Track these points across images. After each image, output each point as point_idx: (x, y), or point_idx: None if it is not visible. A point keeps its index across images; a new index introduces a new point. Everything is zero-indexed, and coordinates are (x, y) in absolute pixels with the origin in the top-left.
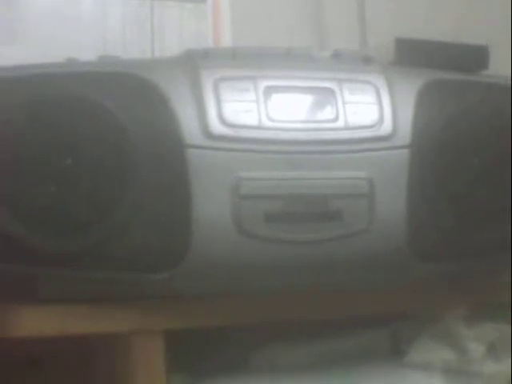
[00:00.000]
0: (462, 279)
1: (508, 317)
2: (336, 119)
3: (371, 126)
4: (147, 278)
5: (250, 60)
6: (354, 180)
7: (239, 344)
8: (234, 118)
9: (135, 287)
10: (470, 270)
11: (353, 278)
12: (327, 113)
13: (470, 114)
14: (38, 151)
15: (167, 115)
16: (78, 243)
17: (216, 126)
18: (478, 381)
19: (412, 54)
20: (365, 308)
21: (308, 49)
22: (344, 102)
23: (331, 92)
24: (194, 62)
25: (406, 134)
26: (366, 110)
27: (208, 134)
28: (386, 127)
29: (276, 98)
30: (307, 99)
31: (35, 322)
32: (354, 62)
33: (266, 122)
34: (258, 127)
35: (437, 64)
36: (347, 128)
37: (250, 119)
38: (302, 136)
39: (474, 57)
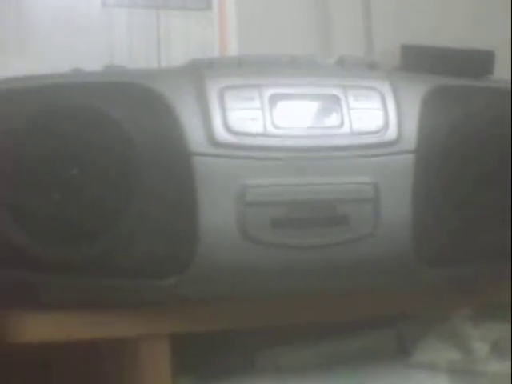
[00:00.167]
0: (467, 282)
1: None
2: (341, 125)
3: (376, 132)
4: (153, 285)
5: (255, 68)
6: (359, 185)
7: (245, 346)
8: (239, 125)
9: (141, 294)
10: (476, 273)
11: (358, 283)
12: (332, 119)
13: (475, 120)
14: (44, 161)
15: (173, 124)
16: (83, 252)
17: (221, 134)
18: (483, 380)
19: (418, 60)
20: (370, 309)
21: (313, 56)
22: (349, 108)
23: (336, 98)
24: (199, 72)
25: (411, 139)
26: (371, 115)
27: (213, 142)
28: (391, 133)
29: (281, 105)
30: (312, 106)
31: (42, 328)
32: (359, 68)
33: (272, 130)
34: (264, 135)
35: (442, 70)
36: (352, 134)
37: (256, 127)
38: (307, 143)
39: (479, 62)
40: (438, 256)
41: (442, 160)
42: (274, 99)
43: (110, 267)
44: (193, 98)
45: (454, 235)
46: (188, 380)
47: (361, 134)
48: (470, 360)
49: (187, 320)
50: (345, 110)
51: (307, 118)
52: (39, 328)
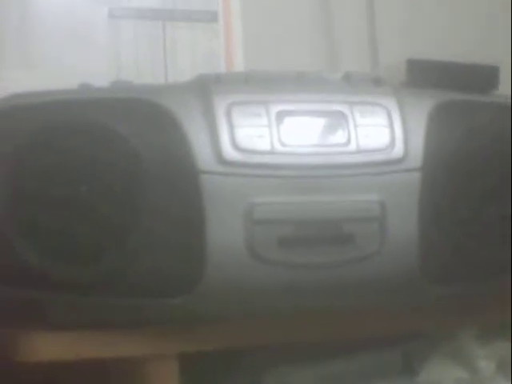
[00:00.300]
0: (473, 299)
1: None
2: (348, 143)
3: (383, 149)
4: (161, 304)
5: (262, 84)
6: (366, 203)
7: (251, 366)
8: (246, 143)
9: (149, 313)
10: (482, 291)
11: (365, 301)
12: (339, 136)
13: (480, 135)
14: (51, 177)
15: (180, 141)
16: (90, 269)
17: (229, 152)
18: None
19: (423, 75)
20: (376, 328)
21: (319, 72)
22: (355, 125)
23: (343, 115)
24: (206, 87)
25: (417, 156)
26: (378, 132)
27: (221, 159)
28: (398, 150)
29: (288, 122)
30: (319, 123)
31: (51, 347)
32: (364, 84)
33: (279, 147)
34: (271, 152)
35: (447, 84)
36: (359, 151)
37: (263, 144)
38: (314, 160)
39: (484, 77)
40: (445, 273)
41: (448, 177)
42: (281, 116)
43: (117, 285)
44: (200, 114)
45: (461, 252)
46: None
47: (367, 151)
48: (476, 379)
49: (195, 339)
50: (351, 127)
51: (314, 135)
52: (48, 347)
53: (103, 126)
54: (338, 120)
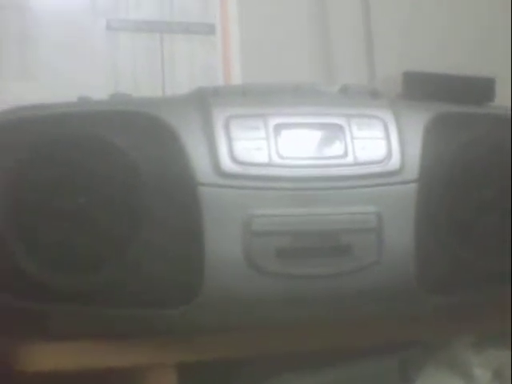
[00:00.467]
0: (470, 309)
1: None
2: (345, 155)
3: (380, 162)
4: (160, 314)
5: (260, 97)
6: (363, 215)
7: (251, 375)
8: (244, 155)
9: (148, 323)
10: (479, 300)
11: (363, 311)
12: (336, 149)
13: (477, 147)
14: (51, 189)
15: (179, 153)
16: (90, 280)
17: (227, 164)
18: None
19: (419, 87)
20: (373, 337)
21: (316, 84)
22: (352, 138)
23: (340, 128)
24: (204, 100)
25: (413, 168)
26: (375, 145)
27: (219, 171)
28: (395, 162)
29: (285, 134)
30: (316, 135)
31: (51, 357)
32: (361, 96)
33: (276, 160)
34: (269, 164)
35: (444, 96)
36: (356, 164)
37: (261, 157)
38: (311, 172)
39: (480, 89)
40: (441, 283)
41: (444, 188)
42: (279, 128)
43: (117, 296)
44: (198, 126)
45: (457, 263)
46: None
47: (364, 163)
48: None
49: (194, 349)
50: (348, 140)
51: (311, 147)
52: (48, 357)
53: (102, 139)
54: (335, 132)
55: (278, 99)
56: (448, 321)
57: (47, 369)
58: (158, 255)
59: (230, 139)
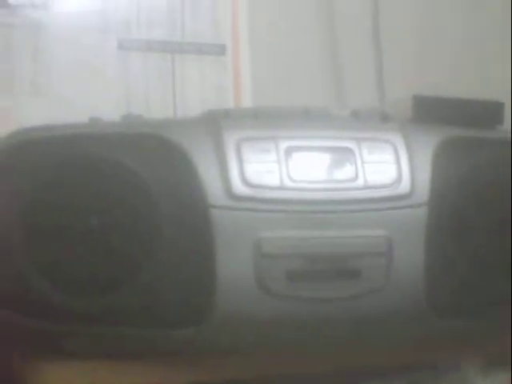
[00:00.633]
0: (480, 332)
1: None
2: (355, 178)
3: (390, 185)
4: (171, 335)
5: (271, 120)
6: (373, 238)
7: None
8: (256, 178)
9: (159, 344)
10: (489, 324)
11: (372, 334)
12: (347, 172)
13: (486, 171)
14: (62, 211)
15: (190, 175)
16: (101, 302)
17: (238, 187)
18: None
19: (429, 111)
20: (381, 359)
21: (327, 108)
22: (363, 162)
23: (350, 151)
24: (216, 123)
25: (423, 191)
26: (385, 168)
27: (231, 194)
28: (405, 185)
29: (297, 158)
30: (327, 159)
31: (62, 376)
32: (372, 120)
33: (288, 183)
34: (280, 188)
35: (453, 120)
36: (366, 187)
37: (272, 180)
38: (322, 196)
39: (489, 113)
40: (451, 307)
41: (454, 212)
42: (290, 151)
43: (128, 317)
44: (210, 149)
45: (467, 286)
46: None
47: (374, 187)
48: None
49: (205, 370)
50: (359, 163)
51: (322, 170)
52: (60, 376)
53: (115, 161)
54: (345, 156)
55: (290, 122)
56: (457, 344)
57: None
58: (170, 276)
59: (241, 162)
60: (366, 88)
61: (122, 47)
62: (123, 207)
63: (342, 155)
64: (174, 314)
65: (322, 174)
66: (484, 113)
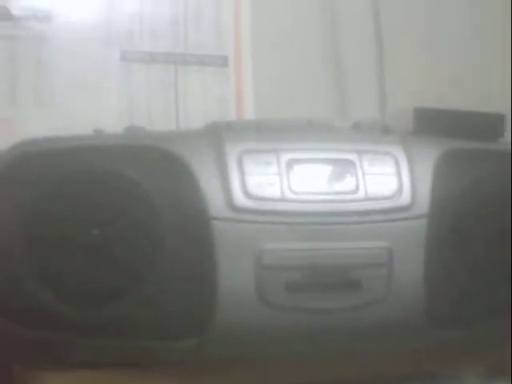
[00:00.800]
0: (480, 342)
1: None
2: (356, 190)
3: (390, 197)
4: (173, 346)
5: (273, 132)
6: (374, 250)
7: None
8: (257, 190)
9: (161, 355)
10: (489, 334)
11: (372, 345)
12: (348, 184)
13: (487, 183)
14: (66, 223)
15: (192, 187)
16: (103, 313)
17: (240, 199)
18: None
19: (430, 123)
20: (380, 368)
21: (328, 120)
22: (364, 174)
23: (351, 163)
24: (218, 135)
25: (424, 203)
26: (386, 180)
27: (232, 206)
28: (405, 197)
29: (298, 170)
30: (328, 171)
31: None
32: (373, 132)
33: (289, 195)
34: (281, 200)
35: (454, 132)
36: (367, 199)
37: (273, 192)
38: (323, 208)
39: (490, 125)
40: (451, 318)
41: (454, 223)
42: (291, 164)
43: (130, 328)
44: (212, 161)
45: (467, 297)
46: None
47: (375, 199)
48: None
49: (206, 381)
50: (360, 175)
51: (323, 182)
52: None
53: (118, 173)
54: (346, 168)
55: (291, 135)
56: (458, 354)
57: None
58: (172, 287)
59: (243, 174)
60: (367, 100)
61: (124, 59)
62: (126, 219)
63: (343, 167)
64: (176, 324)
65: (323, 185)
66: (485, 125)
